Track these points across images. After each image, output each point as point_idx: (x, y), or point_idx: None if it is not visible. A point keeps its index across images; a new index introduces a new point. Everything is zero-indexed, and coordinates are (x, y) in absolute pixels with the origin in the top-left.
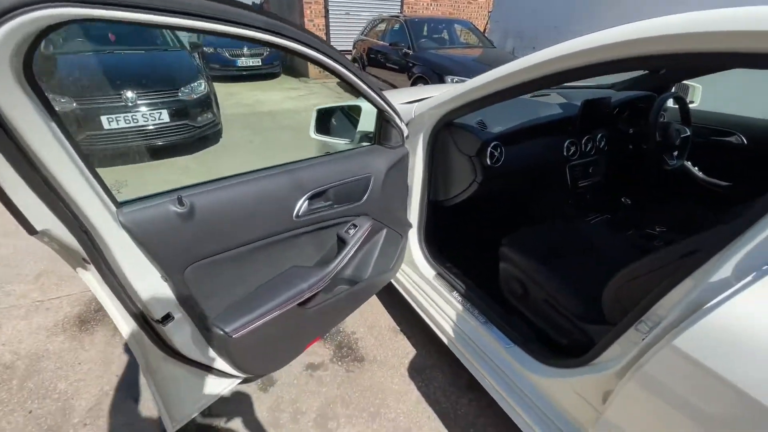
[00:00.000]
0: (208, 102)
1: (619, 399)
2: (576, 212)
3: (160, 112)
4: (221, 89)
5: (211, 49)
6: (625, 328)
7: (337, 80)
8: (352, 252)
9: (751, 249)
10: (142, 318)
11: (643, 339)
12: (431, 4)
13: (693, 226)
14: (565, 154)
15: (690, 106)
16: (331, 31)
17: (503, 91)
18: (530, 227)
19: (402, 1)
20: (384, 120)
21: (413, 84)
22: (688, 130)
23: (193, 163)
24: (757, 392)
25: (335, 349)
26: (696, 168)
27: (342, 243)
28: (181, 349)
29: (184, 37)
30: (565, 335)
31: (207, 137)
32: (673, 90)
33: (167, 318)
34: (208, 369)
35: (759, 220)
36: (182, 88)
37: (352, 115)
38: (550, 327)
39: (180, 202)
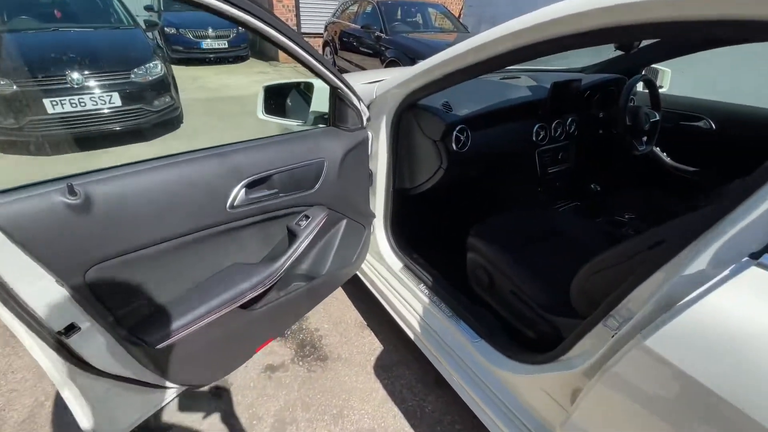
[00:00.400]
0: (165, 84)
1: (588, 400)
2: (545, 199)
3: (111, 95)
4: (185, 72)
5: (173, 30)
6: (593, 323)
7: None
8: (303, 246)
9: (729, 239)
10: (42, 329)
11: (613, 336)
12: None
13: (662, 214)
14: (534, 139)
15: (659, 90)
16: (301, 12)
17: (469, 67)
18: (498, 216)
19: None
20: (338, 99)
21: (386, 67)
22: (657, 115)
23: (149, 150)
24: (735, 398)
25: (297, 348)
26: (664, 153)
27: (293, 236)
28: (96, 364)
29: (140, 16)
30: (532, 328)
31: (165, 122)
32: (643, 73)
33: (71, 329)
34: (137, 382)
35: (736, 208)
36: (135, 70)
37: (305, 93)
38: (517, 319)
39: (71, 191)
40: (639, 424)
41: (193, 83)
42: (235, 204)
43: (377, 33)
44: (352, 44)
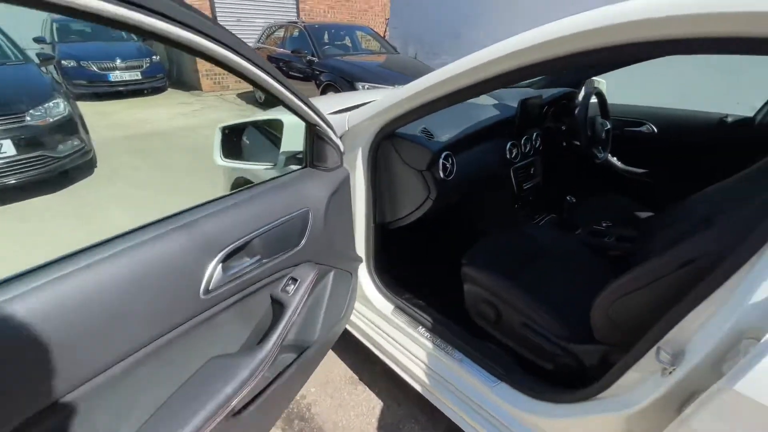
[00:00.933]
0: (70, 125)
1: None
2: (524, 216)
3: (1, 144)
4: (93, 108)
5: (73, 63)
6: (639, 355)
7: (237, 92)
8: (295, 317)
9: None
10: None
11: (670, 372)
12: (328, 11)
13: (632, 217)
14: (508, 157)
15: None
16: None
17: (455, 93)
18: (486, 240)
19: (298, 8)
20: (316, 136)
21: (323, 92)
22: (608, 123)
23: (57, 202)
24: None
25: (284, 425)
26: (615, 158)
27: (280, 307)
28: None
29: (31, 50)
30: (552, 360)
31: (75, 168)
32: (584, 86)
33: None
34: None
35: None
36: (31, 111)
37: (270, 131)
38: (534, 353)
39: None
40: None
41: (104, 120)
42: (210, 287)
43: (309, 57)
44: (281, 69)
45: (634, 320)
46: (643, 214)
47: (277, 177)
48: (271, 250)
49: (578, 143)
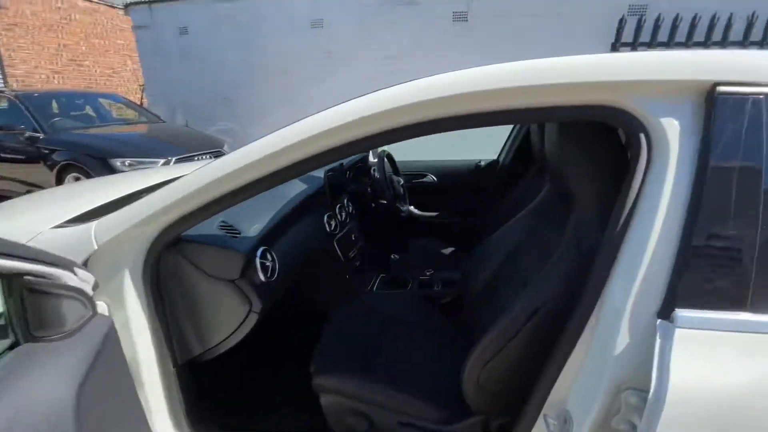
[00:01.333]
0: None
1: None
2: (356, 283)
3: None
4: None
5: None
6: (528, 426)
7: None
8: None
9: (632, 303)
10: None
11: None
12: (53, 77)
13: (446, 259)
14: (328, 230)
15: None
16: None
17: (272, 175)
18: (328, 333)
19: (3, 73)
20: (29, 291)
21: (60, 174)
22: (401, 179)
23: None
24: None
25: None
26: (412, 207)
27: None
28: None
29: None
30: None
31: None
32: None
33: None
34: None
35: (603, 273)
36: None
37: None
38: None
39: None
40: None
41: None
42: None
43: (28, 133)
44: None
45: (506, 383)
46: (447, 250)
47: None
48: None
49: (384, 201)
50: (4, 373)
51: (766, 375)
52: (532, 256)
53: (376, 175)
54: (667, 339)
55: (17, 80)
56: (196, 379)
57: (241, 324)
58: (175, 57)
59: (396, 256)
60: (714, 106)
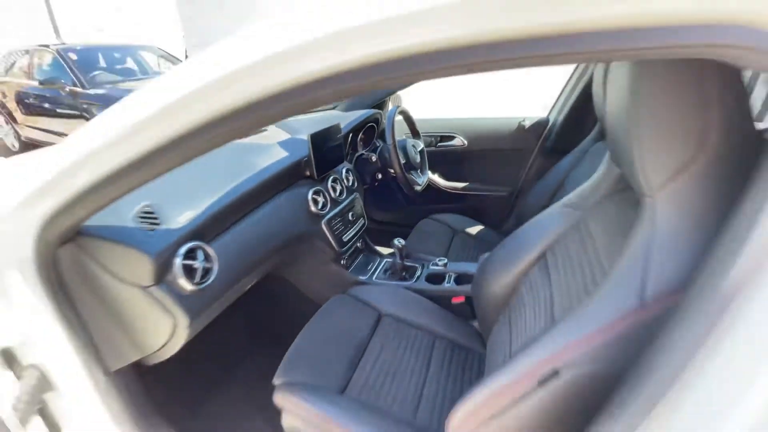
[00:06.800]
0: None
1: None
2: (352, 271)
3: None
4: None
5: None
6: None
7: None
8: None
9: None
10: None
11: None
12: (99, 30)
13: (464, 248)
14: (314, 209)
15: None
16: None
17: (181, 141)
18: (303, 335)
19: (55, 27)
20: None
21: None
22: (421, 143)
23: None
24: None
25: None
26: (436, 175)
27: None
28: None
29: None
30: None
31: None
32: (391, 104)
33: None
34: None
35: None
36: None
37: None
38: None
39: None
40: None
41: None
42: None
43: (69, 88)
44: (41, 107)
45: None
46: (474, 229)
47: None
48: None
49: (393, 171)
50: None
51: None
52: (573, 264)
53: (384, 139)
54: None
55: (66, 32)
56: (146, 383)
57: (170, 338)
58: (212, 6)
59: (401, 241)
60: None
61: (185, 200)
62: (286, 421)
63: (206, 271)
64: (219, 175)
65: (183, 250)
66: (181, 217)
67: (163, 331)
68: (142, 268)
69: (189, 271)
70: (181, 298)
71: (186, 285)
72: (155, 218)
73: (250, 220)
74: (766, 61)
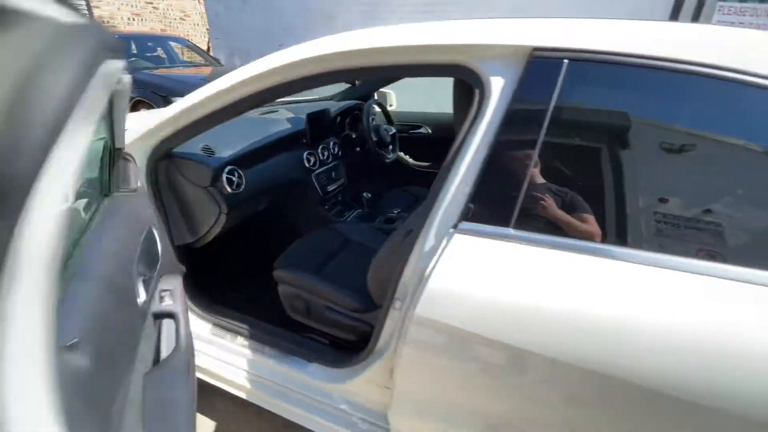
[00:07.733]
0: None
1: (399, 371)
2: (333, 215)
3: None
4: None
5: None
6: (387, 309)
7: None
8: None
9: (439, 218)
10: None
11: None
12: (134, 19)
13: (417, 204)
14: (307, 165)
15: (390, 108)
16: None
17: (226, 108)
18: (296, 243)
19: (91, 14)
20: (123, 159)
21: (133, 109)
22: (393, 128)
23: None
24: (481, 330)
25: None
26: (407, 156)
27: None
28: None
29: None
30: (354, 332)
31: None
32: (375, 97)
33: None
34: None
35: (437, 193)
36: None
37: None
38: (338, 329)
39: None
40: (438, 372)
41: None
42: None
43: None
44: None
45: (391, 282)
46: None
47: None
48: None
49: (368, 147)
50: (108, 207)
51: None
52: None
53: (363, 122)
54: (449, 239)
55: (103, 21)
56: (189, 259)
57: (215, 222)
58: (236, 2)
59: (368, 194)
60: (529, 67)
61: (229, 144)
62: (281, 289)
63: (238, 185)
64: (249, 134)
65: (227, 169)
66: (226, 153)
67: (212, 216)
68: (205, 175)
69: (230, 182)
70: (223, 196)
71: (227, 188)
72: (212, 150)
73: (265, 164)
74: (474, 82)
